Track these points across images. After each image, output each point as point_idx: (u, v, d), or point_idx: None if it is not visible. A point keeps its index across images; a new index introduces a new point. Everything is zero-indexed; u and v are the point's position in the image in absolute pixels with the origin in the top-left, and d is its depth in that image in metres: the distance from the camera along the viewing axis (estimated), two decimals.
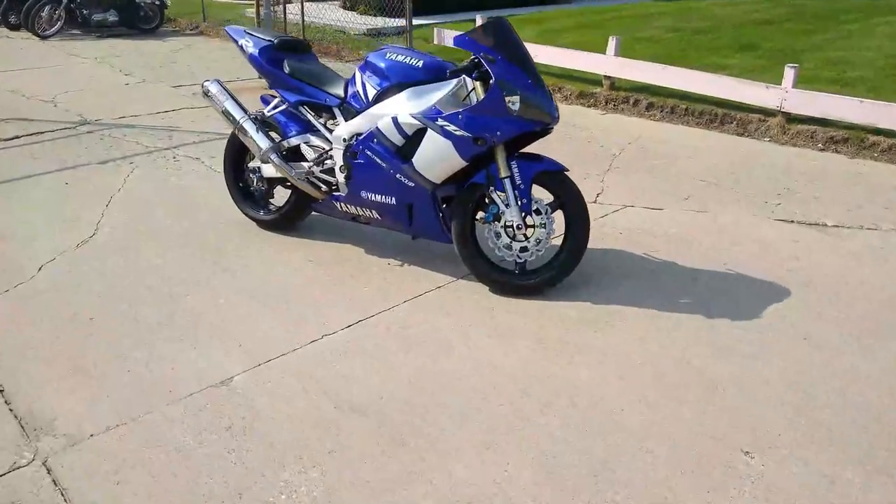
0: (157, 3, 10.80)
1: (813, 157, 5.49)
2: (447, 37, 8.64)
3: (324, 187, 3.57)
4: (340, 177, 3.46)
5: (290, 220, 3.86)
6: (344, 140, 3.39)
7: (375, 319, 3.05)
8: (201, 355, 2.78)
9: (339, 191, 3.51)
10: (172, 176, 4.82)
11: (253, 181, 3.85)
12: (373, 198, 3.33)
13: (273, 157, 3.59)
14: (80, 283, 3.37)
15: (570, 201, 3.13)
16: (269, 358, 2.76)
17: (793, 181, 4.85)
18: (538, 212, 3.13)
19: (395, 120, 3.15)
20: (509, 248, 3.18)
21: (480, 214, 3.24)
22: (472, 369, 2.69)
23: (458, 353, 2.80)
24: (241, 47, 3.66)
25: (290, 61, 3.58)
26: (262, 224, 3.92)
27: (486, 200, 3.18)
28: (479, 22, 8.12)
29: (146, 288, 3.31)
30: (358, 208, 3.44)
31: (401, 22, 9.78)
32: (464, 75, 3.12)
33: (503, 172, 3.10)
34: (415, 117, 3.10)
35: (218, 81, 3.79)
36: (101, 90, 7.31)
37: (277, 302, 3.18)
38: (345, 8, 12.07)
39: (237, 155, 3.93)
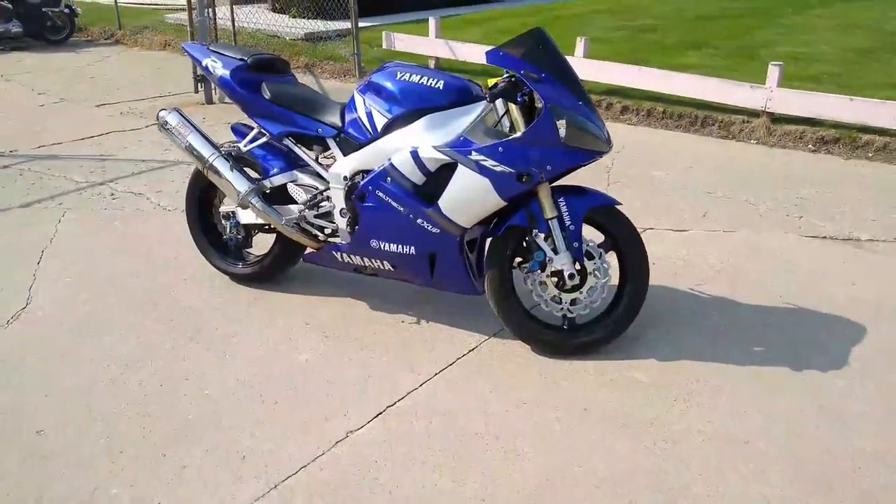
0: (67, 11, 9.72)
1: (810, 161, 5.23)
2: (397, 40, 8.05)
3: (320, 235, 2.96)
4: (341, 222, 2.85)
5: (273, 273, 3.22)
6: (345, 178, 2.79)
7: (408, 404, 2.48)
8: (196, 482, 2.14)
9: (339, 238, 2.91)
10: (115, 219, 4.07)
11: (226, 229, 3.19)
12: (386, 247, 2.75)
13: (255, 201, 2.95)
14: (12, 378, 2.64)
15: (626, 240, 2.64)
16: (284, 476, 2.15)
17: (802, 189, 4.55)
18: (590, 255, 2.63)
19: (414, 154, 2.58)
20: (558, 300, 2.67)
21: (518, 260, 2.71)
22: (561, 480, 2.14)
23: (528, 451, 2.25)
24: (206, 69, 3.00)
25: (269, 84, 2.94)
26: (239, 278, 3.27)
27: (528, 245, 2.65)
28: (431, 24, 7.59)
29: (108, 382, 2.61)
30: (366, 259, 2.85)
31: (343, 24, 9.13)
32: (494, 97, 2.58)
33: (549, 212, 2.58)
34: (440, 151, 2.54)
35: (177, 111, 3.11)
36: (12, 114, 6.36)
37: (281, 389, 2.56)
38: (275, 11, 11.29)
39: (202, 196, 3.26)
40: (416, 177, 2.61)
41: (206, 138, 3.05)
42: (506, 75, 2.57)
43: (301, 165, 3.01)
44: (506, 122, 2.59)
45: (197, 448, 2.26)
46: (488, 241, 2.73)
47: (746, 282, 3.30)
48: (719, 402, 2.46)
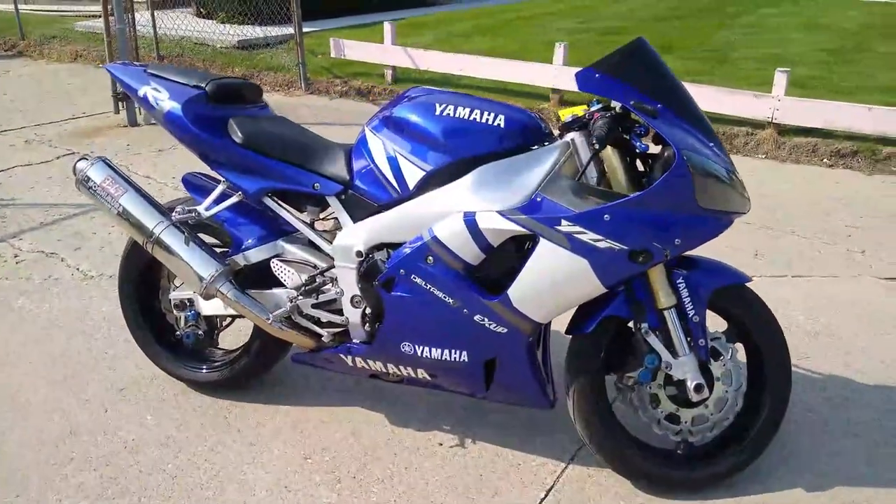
0: None
1: (833, 179, 4.68)
2: (347, 48, 7.18)
3: (324, 334, 2.10)
4: (354, 314, 2.02)
5: (249, 377, 2.34)
6: (358, 254, 1.95)
7: None
8: None
9: (350, 337, 2.07)
10: (21, 295, 3.06)
11: (181, 322, 2.28)
12: (424, 353, 1.93)
13: (226, 289, 2.06)
14: None
15: (760, 330, 1.91)
16: None
17: (844, 215, 3.97)
18: (716, 353, 1.88)
19: (470, 222, 1.77)
20: (675, 419, 1.91)
21: (604, 364, 1.94)
22: None
23: None
24: (144, 100, 2.10)
25: (239, 121, 2.07)
26: (202, 386, 2.38)
27: (630, 344, 1.88)
28: (387, 30, 6.76)
29: None
30: (391, 366, 2.02)
31: (280, 30, 8.15)
32: (572, 136, 1.81)
33: (663, 300, 1.82)
34: (511, 219, 1.74)
35: (104, 161, 2.17)
36: None
37: None
38: (199, 16, 10.16)
39: (142, 275, 2.35)
40: (471, 255, 1.80)
41: (148, 198, 2.14)
42: (597, 107, 1.79)
43: (288, 233, 2.15)
44: (591, 172, 1.81)
45: None
46: (570, 338, 1.95)
47: (856, 350, 2.64)
48: None
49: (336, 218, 2.08)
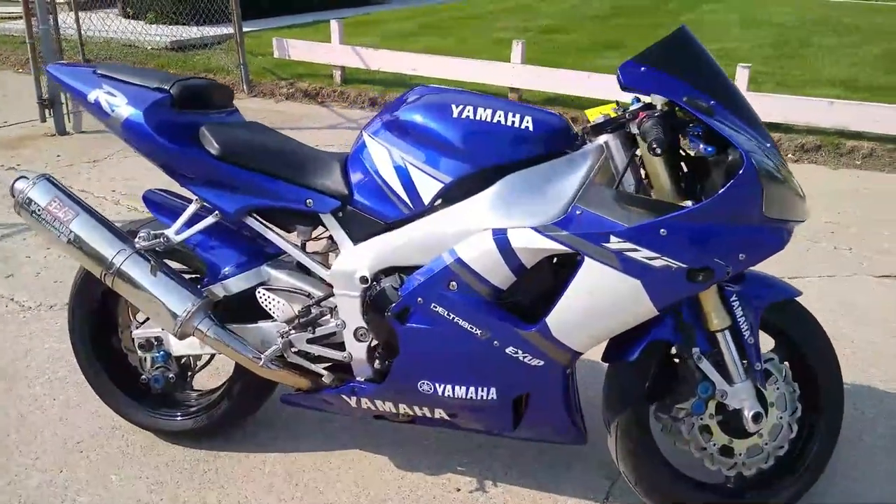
0: None
1: (801, 174, 4.64)
2: (292, 48, 6.82)
3: (324, 373, 1.82)
4: (358, 350, 1.75)
5: (229, 423, 2.03)
6: (364, 280, 1.68)
7: None
8: None
9: (353, 375, 1.80)
10: None
11: (146, 364, 1.95)
12: (446, 392, 1.68)
13: (205, 327, 1.76)
14: None
15: (813, 349, 1.74)
16: None
17: (822, 210, 3.88)
18: (767, 374, 1.69)
19: (501, 240, 1.53)
20: (728, 452, 1.71)
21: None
22: None
23: None
24: (95, 106, 1.76)
25: (212, 129, 1.76)
26: (175, 436, 2.06)
27: (677, 372, 1.68)
28: (334, 28, 6.45)
29: None
30: (403, 406, 1.76)
31: (216, 30, 7.69)
32: (605, 139, 1.60)
33: (716, 322, 1.62)
34: (550, 236, 1.51)
35: (47, 178, 1.83)
36: None
37: None
38: (126, 17, 9.56)
39: (98, 310, 2.01)
40: (501, 278, 1.56)
41: (104, 222, 1.82)
42: (637, 106, 1.58)
43: (273, 257, 1.86)
44: (628, 180, 1.60)
45: None
46: (607, 365, 1.73)
47: (884, 361, 2.53)
48: None
49: (330, 238, 1.81)
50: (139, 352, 1.94)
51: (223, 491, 1.91)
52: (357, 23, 9.84)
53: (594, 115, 1.65)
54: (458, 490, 1.91)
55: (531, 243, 1.52)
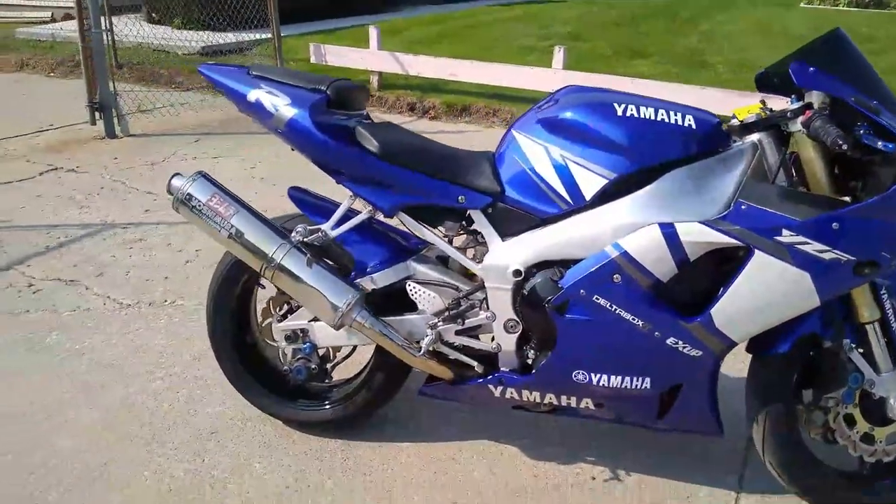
0: None
1: None
2: (329, 54, 6.89)
3: (476, 364, 1.88)
4: (508, 341, 1.81)
5: (365, 413, 2.09)
6: (517, 273, 1.75)
7: None
8: None
9: (498, 366, 1.86)
10: (51, 329, 2.69)
11: (287, 356, 2.01)
12: (601, 381, 1.74)
13: (362, 317, 1.82)
14: None
15: None
16: None
17: None
18: None
19: (669, 234, 1.60)
20: (870, 439, 1.78)
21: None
22: None
23: None
24: (257, 106, 1.82)
25: (368, 130, 1.83)
26: (312, 427, 2.12)
27: (823, 363, 1.75)
28: (373, 35, 6.51)
29: None
30: (550, 396, 1.82)
31: (244, 36, 7.74)
32: (758, 136, 1.67)
33: (867, 315, 1.69)
34: (721, 230, 1.58)
35: (204, 176, 1.89)
36: None
37: None
38: (151, 22, 9.63)
39: (235, 313, 2.07)
40: (665, 271, 1.63)
41: (262, 218, 1.88)
42: (797, 105, 1.64)
43: (415, 252, 1.92)
44: (781, 175, 1.67)
45: None
46: (751, 358, 1.80)
47: None
48: None
49: (473, 234, 1.87)
50: (284, 343, 1.99)
51: (367, 479, 1.97)
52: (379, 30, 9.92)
53: (743, 115, 1.72)
54: (593, 479, 1.98)
55: (701, 237, 1.59)
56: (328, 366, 2.06)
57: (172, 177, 1.89)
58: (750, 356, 1.81)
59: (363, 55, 6.70)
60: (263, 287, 2.12)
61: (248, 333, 2.15)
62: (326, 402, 2.08)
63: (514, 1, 14.95)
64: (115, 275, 3.15)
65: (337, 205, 1.94)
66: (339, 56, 6.85)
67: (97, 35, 5.14)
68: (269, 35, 7.01)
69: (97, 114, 5.34)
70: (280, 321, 2.01)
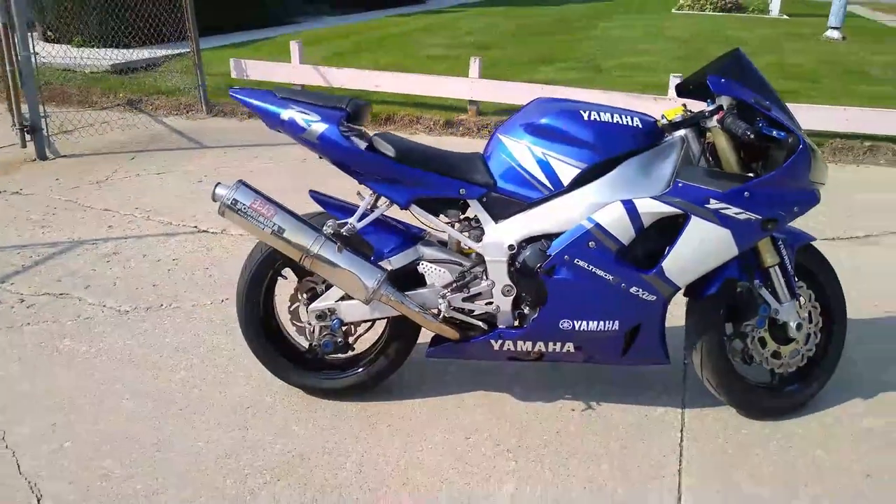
0: None
1: None
2: (251, 68, 7.11)
3: (480, 324, 2.32)
4: (505, 303, 2.27)
5: (381, 378, 2.49)
6: (511, 248, 2.21)
7: None
8: None
9: (497, 324, 2.31)
10: (62, 336, 2.89)
11: (315, 333, 2.37)
12: (581, 327, 2.23)
13: (391, 292, 2.22)
14: None
15: (827, 278, 2.44)
16: None
17: None
18: (798, 297, 2.37)
19: (630, 208, 2.11)
20: (777, 355, 2.37)
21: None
22: None
23: None
24: (290, 124, 2.17)
25: (383, 138, 2.24)
26: (337, 393, 2.48)
27: (742, 299, 2.32)
28: (295, 49, 6.82)
29: None
30: (540, 344, 2.29)
31: (154, 52, 7.80)
32: (684, 132, 2.22)
33: (770, 260, 2.28)
34: (667, 202, 2.11)
35: (243, 183, 2.23)
36: None
37: None
38: (48, 41, 9.39)
39: (260, 304, 2.41)
40: (627, 236, 2.14)
41: (296, 215, 2.24)
42: (712, 107, 2.19)
43: (422, 237, 2.34)
44: (702, 160, 2.23)
45: None
46: (686, 300, 2.35)
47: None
48: None
49: (468, 220, 2.31)
50: (315, 321, 2.35)
51: (390, 427, 2.36)
52: (284, 42, 10.13)
53: (671, 115, 2.25)
54: (573, 411, 2.46)
55: (652, 209, 2.11)
56: (350, 339, 2.44)
57: (216, 186, 2.22)
58: (686, 300, 2.36)
59: (286, 69, 6.96)
60: (286, 278, 2.47)
61: (274, 318, 2.49)
62: (354, 370, 2.45)
63: (411, 12, 15.50)
64: (103, 285, 3.34)
65: (348, 203, 2.34)
66: (261, 71, 7.08)
67: (26, 57, 5.17)
68: (185, 50, 7.15)
69: (27, 136, 5.35)
70: (307, 304, 2.37)
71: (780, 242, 2.29)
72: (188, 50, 6.89)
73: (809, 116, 5.20)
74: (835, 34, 10.95)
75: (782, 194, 2.12)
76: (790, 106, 2.27)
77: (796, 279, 2.35)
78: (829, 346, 2.45)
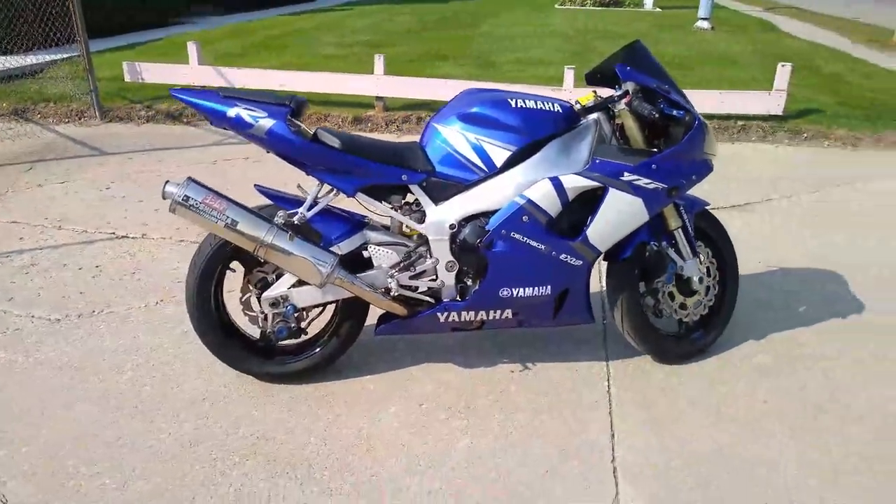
0: None
1: None
2: (146, 71, 6.94)
3: (427, 298, 2.50)
4: (449, 277, 2.47)
5: (333, 358, 2.63)
6: (451, 227, 2.42)
7: (634, 458, 2.29)
8: None
9: (441, 298, 2.51)
10: (6, 364, 2.84)
11: (271, 321, 2.48)
12: (519, 293, 2.47)
13: (343, 275, 2.37)
14: None
15: (721, 239, 2.80)
16: None
17: None
18: (698, 255, 2.72)
19: (556, 184, 2.36)
20: (684, 307, 2.71)
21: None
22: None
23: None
24: (237, 121, 2.26)
25: (326, 131, 2.37)
26: (289, 377, 2.60)
27: (653, 259, 2.63)
28: (193, 51, 6.73)
29: None
30: (482, 313, 2.51)
31: (35, 58, 7.43)
32: (596, 115, 2.50)
33: (674, 224, 2.60)
34: (588, 176, 2.37)
35: (192, 180, 2.30)
36: None
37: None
38: None
39: (210, 300, 2.50)
40: (555, 209, 2.40)
41: (247, 208, 2.34)
42: (620, 93, 2.48)
43: (366, 223, 2.50)
44: (611, 138, 2.52)
45: None
46: (606, 264, 2.64)
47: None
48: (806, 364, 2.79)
49: (408, 204, 2.50)
50: (269, 309, 2.46)
51: (347, 403, 2.51)
52: (177, 44, 9.88)
53: (585, 101, 2.53)
54: (513, 372, 2.70)
55: (576, 183, 2.37)
56: (303, 324, 2.56)
57: (165, 184, 2.28)
58: (606, 263, 2.65)
59: (185, 71, 6.83)
60: (234, 271, 2.55)
61: (224, 312, 2.57)
62: (302, 355, 2.58)
63: (299, 11, 15.38)
64: (27, 297, 3.27)
65: (292, 195, 2.46)
66: (157, 73, 6.91)
67: None
68: (71, 54, 6.85)
69: None
70: (259, 294, 2.48)
71: (681, 208, 2.62)
72: (77, 54, 6.62)
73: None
74: (704, 24, 11.90)
75: (683, 165, 2.44)
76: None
77: (697, 240, 2.70)
78: (724, 297, 2.82)
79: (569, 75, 6.32)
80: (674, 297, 2.68)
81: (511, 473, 2.20)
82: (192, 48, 6.78)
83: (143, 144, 5.86)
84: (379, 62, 6.50)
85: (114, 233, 3.99)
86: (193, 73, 6.81)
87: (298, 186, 2.51)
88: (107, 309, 3.17)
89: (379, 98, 6.63)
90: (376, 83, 6.54)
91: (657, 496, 2.11)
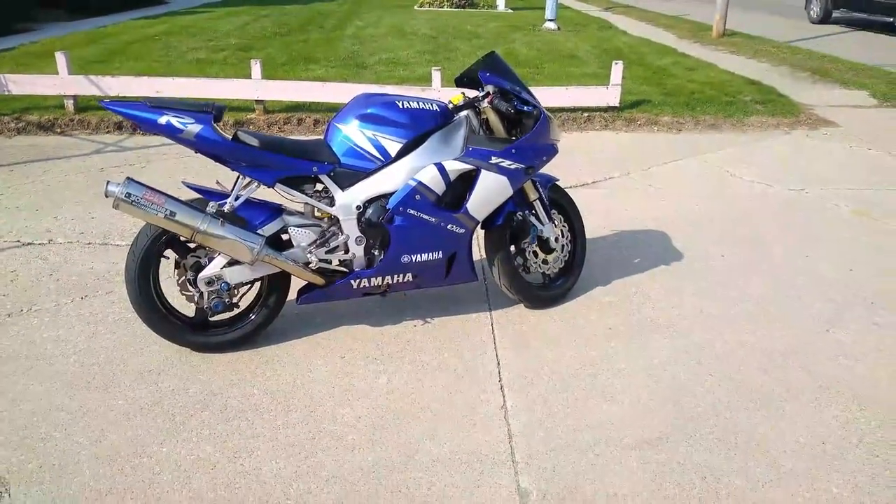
0: None
1: None
2: (12, 83, 6.85)
3: (342, 269, 3.02)
4: (358, 250, 3.01)
5: (263, 327, 3.09)
6: (358, 208, 2.96)
7: (525, 381, 2.94)
8: None
9: (353, 268, 3.05)
10: None
11: (206, 298, 2.90)
12: (417, 259, 3.05)
13: (271, 253, 2.84)
14: None
15: (570, 207, 3.53)
16: None
17: None
18: (553, 220, 3.43)
19: (441, 168, 2.96)
20: (546, 262, 3.41)
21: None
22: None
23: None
24: (168, 128, 2.66)
25: (245, 132, 2.83)
26: (224, 346, 3.02)
27: (518, 225, 3.30)
28: (62, 61, 6.76)
29: None
30: (387, 278, 3.07)
31: None
32: (466, 112, 3.13)
33: (532, 196, 3.29)
34: (464, 161, 2.99)
35: (130, 179, 2.68)
36: None
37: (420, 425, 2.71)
38: None
39: (149, 283, 2.89)
40: (440, 188, 3.00)
41: (181, 200, 2.75)
42: (483, 93, 3.11)
43: (283, 210, 2.99)
44: (479, 130, 3.16)
45: None
46: (483, 232, 3.29)
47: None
48: (638, 303, 3.60)
49: (319, 192, 3.01)
50: (205, 288, 2.88)
51: (281, 361, 2.99)
52: (29, 53, 9.58)
53: (457, 101, 3.15)
54: (415, 326, 3.29)
55: (455, 167, 2.98)
56: (235, 299, 3.01)
57: (108, 183, 2.65)
58: (483, 231, 3.30)
59: (55, 81, 6.81)
60: (168, 258, 2.95)
61: (161, 294, 2.96)
62: (236, 325, 3.02)
63: (155, 14, 15.05)
64: None
65: (215, 189, 2.90)
66: (25, 85, 6.83)
67: None
68: None
69: None
70: (195, 275, 2.90)
71: (537, 183, 3.31)
72: None
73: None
74: (551, 25, 13.03)
75: (535, 149, 3.12)
76: (530, 88, 3.30)
77: (551, 208, 3.41)
78: (576, 253, 3.56)
79: (436, 76, 6.95)
80: (537, 255, 3.38)
81: (423, 395, 2.78)
82: (60, 58, 6.76)
83: (21, 156, 5.88)
84: (256, 67, 6.83)
85: (19, 240, 4.16)
86: (64, 83, 6.81)
87: (217, 182, 2.94)
88: (35, 306, 3.42)
89: (259, 101, 6.95)
90: (255, 87, 6.87)
91: (534, 401, 2.77)
